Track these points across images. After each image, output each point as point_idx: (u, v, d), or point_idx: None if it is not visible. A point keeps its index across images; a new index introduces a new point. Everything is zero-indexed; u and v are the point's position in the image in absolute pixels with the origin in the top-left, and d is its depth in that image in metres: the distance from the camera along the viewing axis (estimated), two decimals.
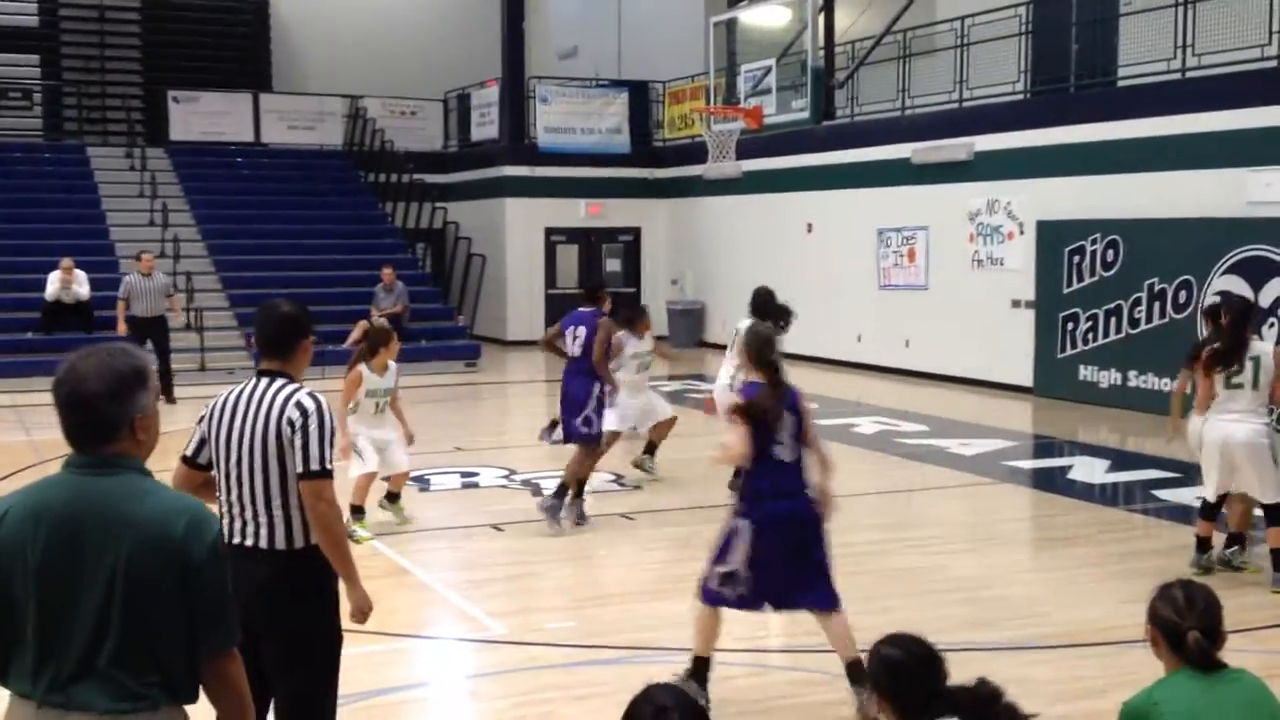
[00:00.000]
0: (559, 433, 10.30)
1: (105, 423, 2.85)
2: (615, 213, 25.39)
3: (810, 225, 21.39)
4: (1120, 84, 16.76)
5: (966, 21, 18.54)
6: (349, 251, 23.03)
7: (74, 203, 23.02)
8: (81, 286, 19.04)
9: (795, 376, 6.58)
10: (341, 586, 4.35)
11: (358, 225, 24.44)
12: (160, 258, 21.13)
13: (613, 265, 25.67)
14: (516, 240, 24.97)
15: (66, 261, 19.00)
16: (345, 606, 4.39)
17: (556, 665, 6.73)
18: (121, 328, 16.57)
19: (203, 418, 4.39)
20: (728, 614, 7.12)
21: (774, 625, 7.89)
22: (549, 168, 24.75)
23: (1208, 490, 8.32)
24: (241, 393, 4.33)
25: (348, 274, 21.95)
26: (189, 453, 4.40)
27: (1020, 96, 18.00)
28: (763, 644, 7.44)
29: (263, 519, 4.24)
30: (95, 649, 2.78)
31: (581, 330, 10.12)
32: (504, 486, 11.47)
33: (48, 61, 27.22)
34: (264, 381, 4.32)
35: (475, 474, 11.92)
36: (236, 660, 2.93)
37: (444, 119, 28.08)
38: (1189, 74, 15.35)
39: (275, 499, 4.22)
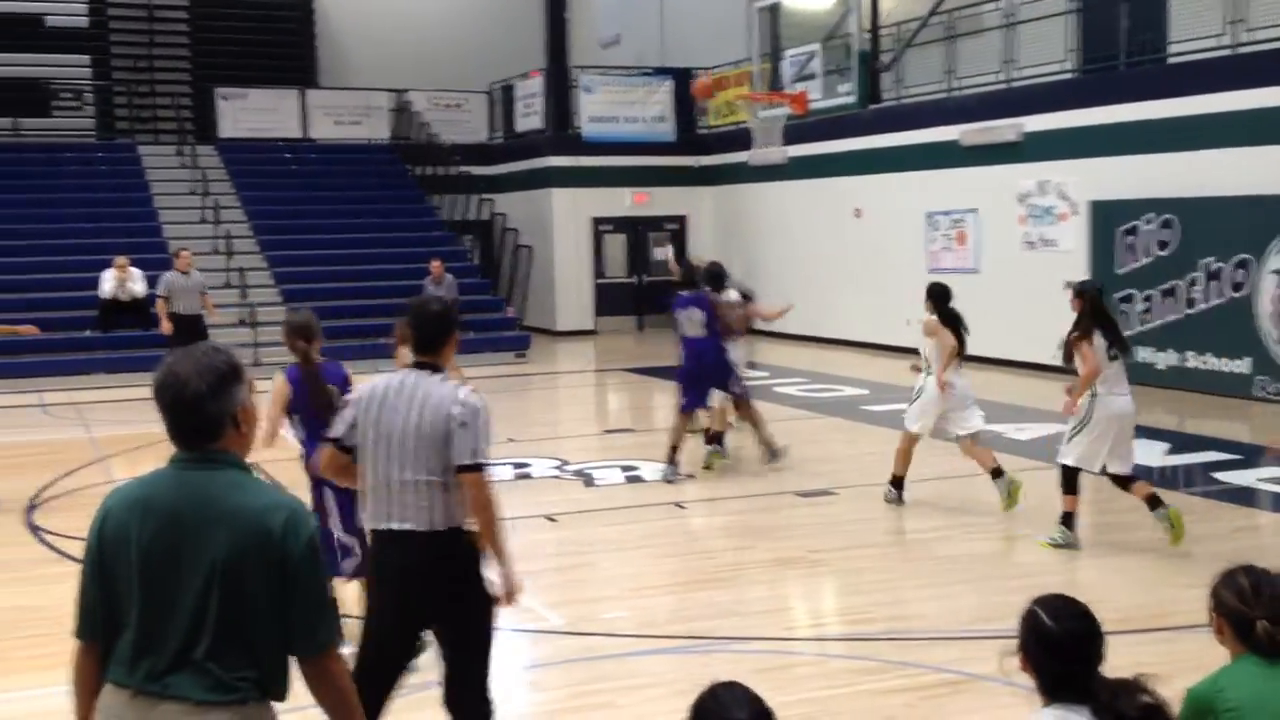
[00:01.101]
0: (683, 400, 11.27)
1: (209, 421, 2.91)
2: (661, 201, 25.37)
3: (858, 210, 21.27)
4: (1171, 60, 16.53)
5: (1013, 0, 18.34)
6: (398, 244, 23.15)
7: (127, 201, 23.28)
8: (137, 284, 19.25)
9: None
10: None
11: (406, 218, 24.57)
12: (212, 254, 21.35)
13: (660, 254, 25.65)
14: (563, 230, 25.01)
15: (121, 260, 19.22)
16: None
17: (614, 655, 6.74)
18: (166, 326, 16.70)
19: (354, 401, 4.65)
20: (788, 601, 7.08)
21: (833, 614, 7.88)
22: (594, 157, 24.76)
23: (1094, 464, 8.42)
24: (401, 382, 4.57)
25: (397, 267, 22.06)
26: (339, 434, 4.64)
27: (1069, 75, 17.80)
28: (822, 632, 7.43)
29: (423, 502, 4.48)
30: (193, 641, 2.82)
31: (696, 311, 11.12)
32: (556, 477, 11.50)
33: (98, 62, 27.52)
34: (422, 373, 4.59)
35: (527, 465, 11.95)
36: (338, 659, 2.96)
37: (489, 111, 28.15)
38: (1241, 49, 15.11)
39: (436, 484, 4.47)
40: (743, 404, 11.53)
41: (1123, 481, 8.55)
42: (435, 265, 20.97)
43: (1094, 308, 8.40)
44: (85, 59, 27.26)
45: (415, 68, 28.00)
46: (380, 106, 26.95)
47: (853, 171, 21.23)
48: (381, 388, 4.59)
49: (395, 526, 4.50)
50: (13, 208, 22.24)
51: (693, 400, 11.28)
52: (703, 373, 11.19)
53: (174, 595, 2.84)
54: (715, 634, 7.00)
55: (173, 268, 17.15)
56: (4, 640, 7.12)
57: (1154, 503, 8.49)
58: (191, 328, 16.77)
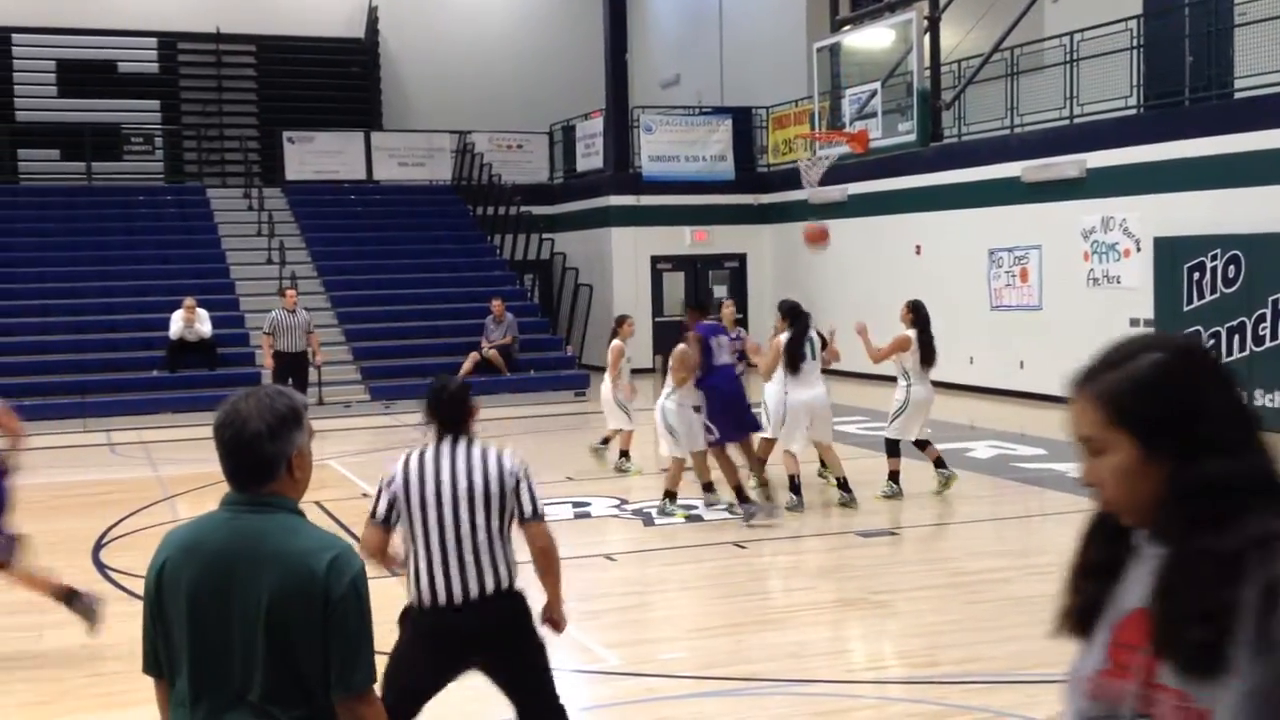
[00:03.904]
0: (715, 434, 11.18)
1: (264, 462, 2.93)
2: (721, 239, 25.41)
3: (919, 247, 21.18)
4: (1236, 96, 16.36)
5: (1076, 37, 18.25)
6: (459, 284, 23.35)
7: (195, 243, 23.70)
8: (204, 325, 19.55)
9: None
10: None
11: (467, 258, 24.78)
12: (277, 295, 21.66)
13: (719, 291, 25.66)
14: (623, 269, 25.10)
15: (189, 301, 19.54)
16: None
17: (672, 697, 6.71)
18: (268, 363, 16.81)
19: (391, 480, 4.75)
20: (849, 643, 7.02)
21: (895, 657, 7.80)
22: (654, 196, 24.86)
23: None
24: (438, 452, 4.74)
25: (458, 306, 22.25)
26: (381, 515, 4.74)
27: (1133, 111, 17.66)
28: (883, 675, 7.36)
29: (486, 565, 4.67)
30: (247, 683, 2.87)
31: (724, 338, 11.51)
32: (616, 516, 11.49)
33: (168, 107, 28.08)
34: (456, 442, 4.78)
35: (587, 504, 11.96)
36: (373, 703, 2.95)
37: (549, 151, 28.39)
38: None
39: (496, 543, 4.70)
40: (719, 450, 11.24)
41: (921, 445, 11.59)
42: (496, 304, 21.12)
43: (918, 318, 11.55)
44: (155, 104, 27.83)
45: (477, 109, 28.31)
46: (443, 148, 27.27)
47: (914, 208, 21.16)
48: (417, 462, 4.74)
49: (459, 597, 4.64)
50: (85, 249, 22.70)
51: (726, 432, 11.20)
52: (726, 401, 11.28)
53: (226, 638, 2.88)
54: (775, 676, 6.95)
55: (279, 306, 17.41)
56: (74, 678, 7.20)
57: (939, 463, 11.55)
58: (294, 365, 16.95)
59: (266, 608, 2.84)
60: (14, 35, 26.69)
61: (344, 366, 20.73)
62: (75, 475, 14.55)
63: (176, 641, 2.93)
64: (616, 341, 13.68)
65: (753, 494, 11.14)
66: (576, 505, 11.88)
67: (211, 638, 2.89)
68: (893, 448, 11.61)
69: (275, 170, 26.42)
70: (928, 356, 11.47)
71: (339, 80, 29.42)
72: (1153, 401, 1.90)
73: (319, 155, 26.48)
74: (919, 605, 8.41)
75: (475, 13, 30.47)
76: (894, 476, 11.54)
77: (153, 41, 27.73)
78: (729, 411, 11.24)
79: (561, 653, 7.78)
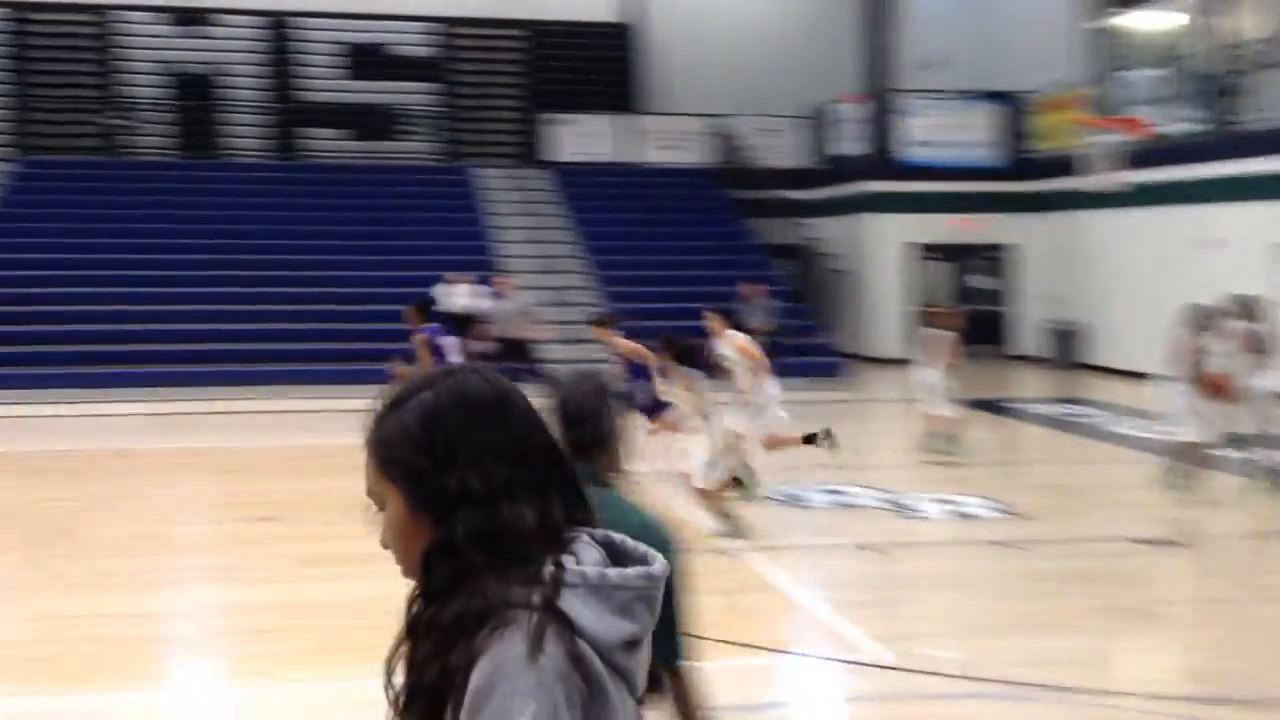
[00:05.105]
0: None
1: (586, 439, 3.11)
2: (983, 227, 24.72)
3: (1211, 240, 20.04)
4: None
5: None
6: (715, 267, 23.42)
7: (460, 221, 24.51)
8: (461, 299, 20.16)
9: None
10: None
11: (725, 242, 24.85)
12: (540, 273, 22.26)
13: (979, 282, 25.01)
14: (882, 256, 24.73)
15: (453, 276, 20.17)
16: None
17: (936, 695, 6.58)
18: (487, 347, 17.27)
19: None
20: (1119, 654, 6.73)
21: (1167, 670, 7.44)
22: (914, 182, 24.38)
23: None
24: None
25: (717, 289, 22.32)
26: None
27: None
28: (1154, 690, 7.03)
29: None
30: None
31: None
32: (876, 507, 11.34)
33: (440, 89, 29.08)
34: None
35: (846, 493, 11.85)
36: (679, 677, 3.08)
37: (807, 135, 28.17)
38: None
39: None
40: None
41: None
42: (749, 289, 21.10)
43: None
44: (426, 86, 28.86)
45: (736, 92, 28.30)
46: (701, 131, 27.40)
47: (1199, 200, 20.05)
48: None
49: None
50: (357, 224, 23.77)
51: None
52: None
53: None
54: (1037, 681, 6.72)
55: (492, 290, 17.90)
56: (357, 628, 7.56)
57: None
58: (512, 350, 17.42)
59: None
60: (304, 19, 28.08)
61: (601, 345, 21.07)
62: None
63: None
64: (943, 332, 13.38)
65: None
66: (835, 494, 11.77)
67: None
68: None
69: (540, 152, 27.06)
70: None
71: (602, 64, 29.88)
72: (410, 449, 1.69)
73: (582, 137, 26.99)
74: (1198, 618, 8.02)
75: None
76: None
77: (429, 26, 28.74)
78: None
79: (817, 640, 7.77)
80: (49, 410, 17.36)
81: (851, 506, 11.38)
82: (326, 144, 27.36)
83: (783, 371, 20.27)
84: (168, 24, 26.99)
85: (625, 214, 25.28)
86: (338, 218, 23.86)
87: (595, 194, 25.95)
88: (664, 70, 29.94)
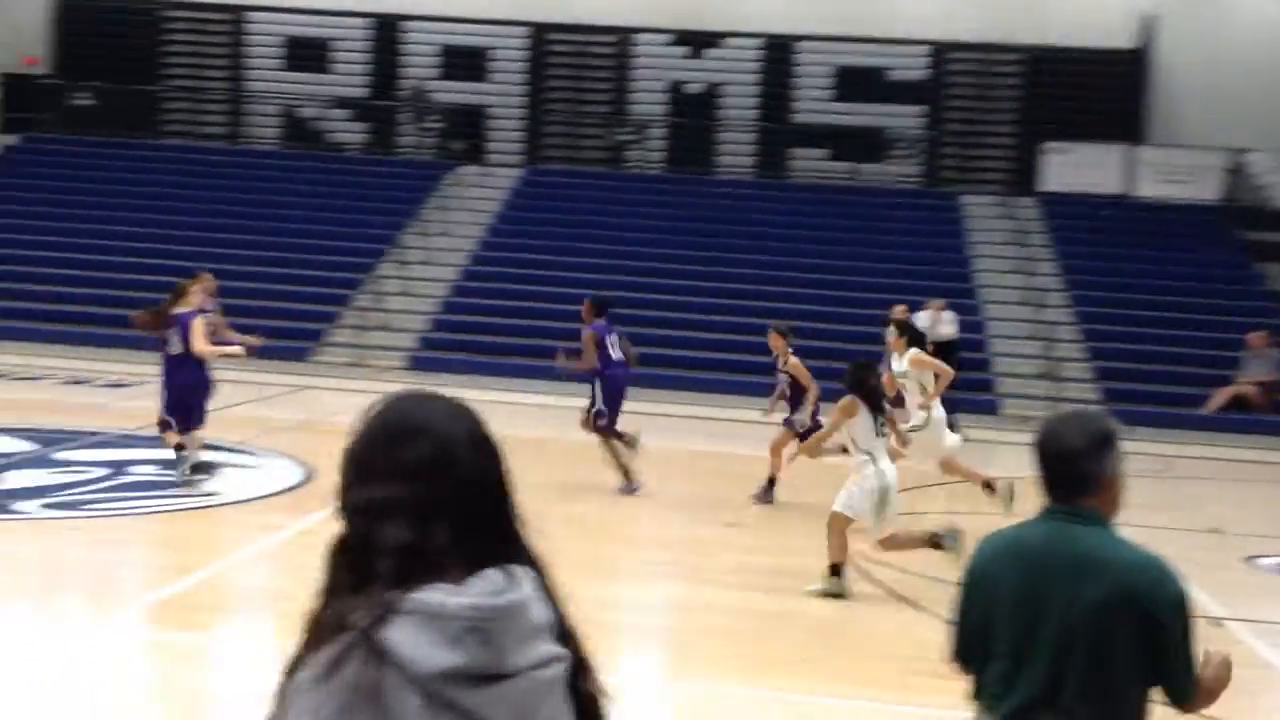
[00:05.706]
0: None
1: (1080, 476, 3.15)
2: None
3: None
4: None
5: None
6: (1216, 313, 21.81)
7: (942, 246, 24.09)
8: (947, 326, 19.77)
9: None
10: None
11: (1230, 285, 23.09)
12: (1021, 305, 21.60)
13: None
14: None
15: (938, 302, 19.79)
16: None
17: None
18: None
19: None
20: None
21: None
22: None
23: None
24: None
25: (1213, 335, 20.82)
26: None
27: None
28: None
29: None
30: (1057, 685, 3.05)
31: None
32: None
33: (931, 113, 28.71)
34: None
35: None
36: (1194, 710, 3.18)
37: None
38: None
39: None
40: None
41: None
42: (1254, 337, 19.49)
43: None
44: (920, 110, 28.56)
45: (1252, 125, 26.12)
46: (1212, 165, 25.53)
47: None
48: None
49: None
50: (841, 244, 23.90)
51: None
52: None
53: (1038, 638, 3.08)
54: None
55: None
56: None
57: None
58: None
59: (1088, 617, 3.02)
60: (801, 42, 28.52)
61: (1081, 385, 20.11)
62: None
63: (992, 633, 3.15)
64: None
65: None
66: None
67: (1025, 636, 3.09)
68: None
69: (1031, 180, 26.16)
70: None
71: (1104, 91, 28.44)
72: (344, 463, 1.87)
73: (1076, 167, 25.82)
74: None
75: (1263, 23, 28.11)
76: None
77: (926, 49, 28.45)
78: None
79: None
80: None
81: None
82: (812, 164, 27.72)
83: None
84: (676, 45, 28.29)
85: (1117, 248, 24.01)
86: (819, 236, 24.13)
87: (1086, 226, 24.83)
88: (1175, 100, 28.14)
